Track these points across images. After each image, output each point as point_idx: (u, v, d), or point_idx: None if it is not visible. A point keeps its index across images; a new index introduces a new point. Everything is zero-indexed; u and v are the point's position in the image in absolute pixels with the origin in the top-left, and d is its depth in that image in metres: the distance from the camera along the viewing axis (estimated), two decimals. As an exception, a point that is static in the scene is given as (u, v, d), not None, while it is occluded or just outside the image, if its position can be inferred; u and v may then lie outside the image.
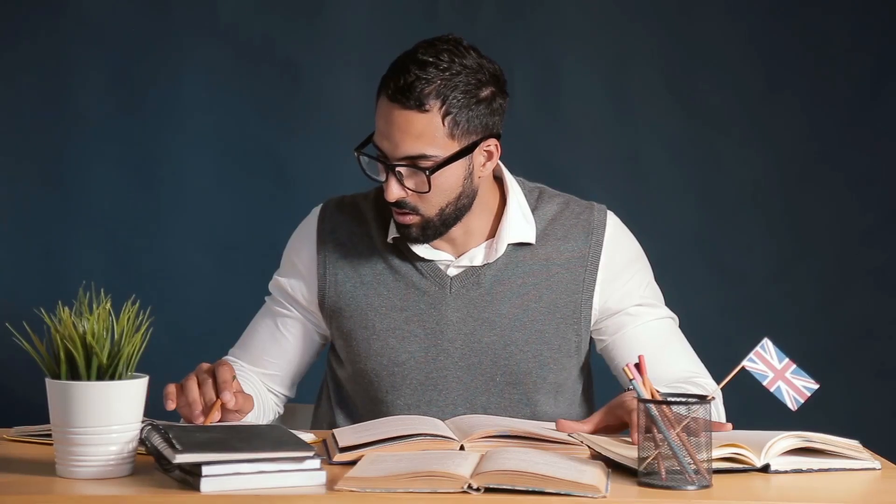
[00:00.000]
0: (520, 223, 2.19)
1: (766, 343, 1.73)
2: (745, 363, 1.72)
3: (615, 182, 3.33)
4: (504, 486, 1.59)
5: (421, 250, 2.18)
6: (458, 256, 2.19)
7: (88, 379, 1.65)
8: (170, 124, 3.31)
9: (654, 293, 2.26)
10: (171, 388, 1.97)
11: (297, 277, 2.26)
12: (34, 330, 1.68)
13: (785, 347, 1.74)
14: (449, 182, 2.09)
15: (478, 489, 1.59)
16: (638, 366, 1.73)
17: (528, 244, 2.19)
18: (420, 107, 2.05)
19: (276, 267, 2.34)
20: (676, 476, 1.63)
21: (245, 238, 3.33)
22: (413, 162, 2.06)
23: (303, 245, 2.26)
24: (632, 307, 2.21)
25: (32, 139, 3.30)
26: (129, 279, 3.23)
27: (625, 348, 2.19)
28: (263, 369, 2.28)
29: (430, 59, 2.07)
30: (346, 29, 3.34)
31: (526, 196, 2.22)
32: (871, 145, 3.37)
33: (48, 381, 1.67)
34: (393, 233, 2.19)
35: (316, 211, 2.28)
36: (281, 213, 3.29)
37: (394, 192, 2.08)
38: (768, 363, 1.72)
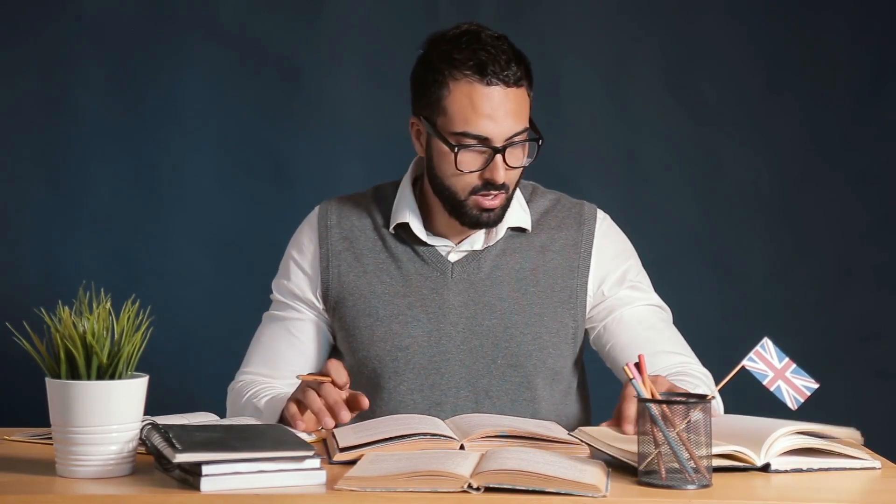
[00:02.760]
0: (517, 210, 2.24)
1: (766, 342, 1.73)
2: (745, 363, 1.72)
3: (615, 182, 3.33)
4: (504, 486, 1.59)
5: (423, 237, 2.22)
6: (458, 243, 2.22)
7: (88, 378, 1.65)
8: (170, 124, 3.31)
9: (645, 281, 2.30)
10: (293, 409, 1.99)
11: (302, 275, 2.28)
12: (34, 330, 1.68)
13: (785, 347, 1.74)
14: (536, 149, 2.17)
15: (478, 489, 1.59)
16: (638, 365, 1.73)
17: (525, 231, 2.24)
18: (518, 83, 2.12)
19: (276, 266, 2.34)
20: (676, 476, 1.63)
21: (245, 238, 3.33)
22: (516, 138, 2.11)
23: (304, 242, 2.29)
24: (622, 292, 2.25)
25: (33, 139, 3.30)
26: (129, 279, 3.23)
27: (615, 331, 2.23)
28: (289, 380, 2.25)
29: (501, 42, 2.13)
30: (346, 29, 3.34)
31: (521, 189, 2.26)
32: (871, 145, 3.38)
33: (48, 380, 1.67)
34: (395, 221, 2.23)
35: (315, 211, 2.31)
36: (281, 213, 3.29)
37: (503, 172, 2.12)
38: (768, 363, 1.72)
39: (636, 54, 3.38)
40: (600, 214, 2.29)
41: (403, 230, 2.23)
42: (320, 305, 2.27)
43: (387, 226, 2.24)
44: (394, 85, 3.33)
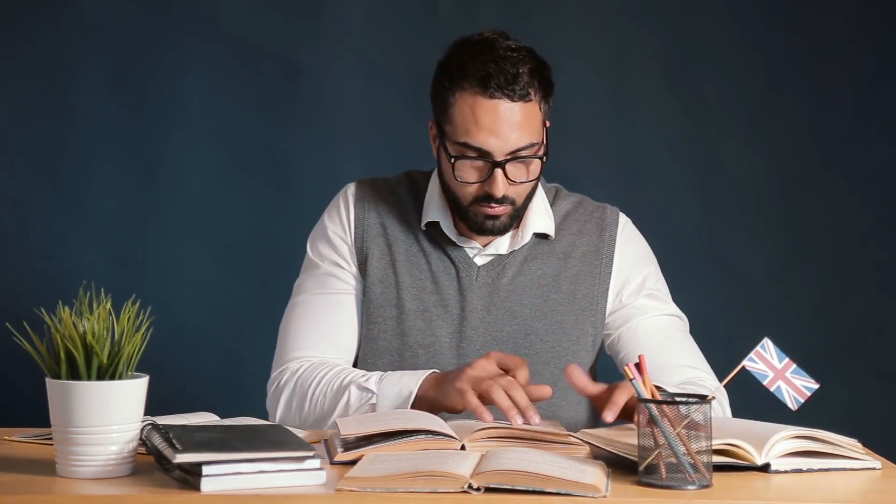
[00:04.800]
0: (542, 215, 2.23)
1: (766, 343, 1.73)
2: (746, 363, 1.72)
3: (615, 182, 3.33)
4: (504, 486, 1.59)
5: (453, 237, 2.21)
6: (485, 245, 2.21)
7: (88, 379, 1.65)
8: (170, 124, 3.31)
9: (664, 290, 2.29)
10: (475, 402, 1.92)
11: (345, 245, 2.24)
12: (34, 330, 1.68)
13: (785, 347, 1.74)
14: (541, 166, 2.14)
15: (478, 489, 1.59)
16: (638, 366, 1.73)
17: (548, 237, 2.23)
18: (525, 98, 2.09)
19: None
20: (677, 476, 1.63)
21: (245, 238, 3.33)
22: (520, 153, 2.09)
23: (342, 216, 2.25)
24: (640, 300, 2.24)
25: (32, 139, 3.30)
26: (129, 279, 3.23)
27: (630, 341, 2.22)
28: (342, 357, 2.21)
29: (516, 55, 2.10)
30: (346, 29, 3.34)
31: (545, 192, 2.26)
32: (871, 145, 3.38)
33: (48, 381, 1.67)
34: (426, 218, 2.22)
35: (351, 189, 2.28)
36: (281, 213, 3.31)
37: (503, 186, 2.10)
38: (768, 363, 1.72)
39: (636, 54, 3.38)
40: (622, 219, 2.28)
41: (433, 227, 2.23)
42: (361, 280, 2.24)
43: (418, 220, 2.23)
44: (394, 85, 3.35)
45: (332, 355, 2.20)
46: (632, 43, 3.38)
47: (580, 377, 1.94)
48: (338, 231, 2.25)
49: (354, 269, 2.24)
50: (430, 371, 2.07)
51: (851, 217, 3.38)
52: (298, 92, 3.34)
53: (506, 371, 1.98)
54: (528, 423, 1.90)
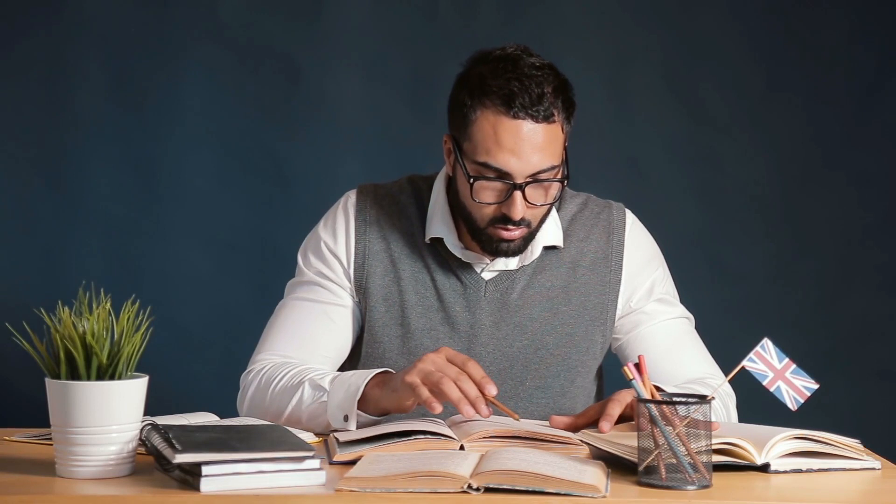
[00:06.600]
0: (551, 227, 2.19)
1: (766, 343, 1.73)
2: (745, 363, 1.72)
3: (615, 182, 3.33)
4: (504, 486, 1.59)
5: (458, 253, 2.16)
6: (493, 260, 2.17)
7: (88, 379, 1.65)
8: (170, 124, 3.31)
9: (672, 291, 2.27)
10: (426, 394, 1.87)
11: (336, 262, 2.19)
12: (34, 330, 1.68)
13: (785, 347, 1.74)
14: (560, 189, 2.10)
15: (478, 489, 1.59)
16: (638, 366, 1.73)
17: (555, 247, 2.20)
18: (549, 119, 2.03)
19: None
20: (676, 476, 1.63)
21: (245, 238, 3.33)
22: (540, 175, 2.04)
23: (339, 232, 2.21)
24: (649, 305, 2.22)
25: (33, 139, 3.30)
26: (129, 279, 3.24)
27: (640, 347, 2.19)
28: (321, 365, 2.16)
29: (541, 73, 2.05)
30: (346, 29, 3.34)
31: None
32: (871, 145, 3.38)
33: (48, 381, 1.67)
34: (430, 233, 2.17)
35: (352, 199, 2.23)
36: (281, 213, 3.31)
37: (521, 209, 2.04)
38: (768, 363, 1.72)
39: (636, 54, 3.38)
40: (629, 220, 2.25)
41: (438, 242, 2.18)
42: (356, 296, 2.20)
43: (422, 233, 2.18)
44: (394, 85, 3.35)
45: (305, 360, 2.16)
46: (632, 43, 3.38)
47: (564, 422, 1.94)
48: (331, 245, 2.20)
49: (347, 283, 2.19)
50: (381, 369, 2.01)
51: (851, 217, 3.38)
52: (298, 92, 3.34)
53: (455, 365, 1.91)
54: (479, 415, 1.87)
